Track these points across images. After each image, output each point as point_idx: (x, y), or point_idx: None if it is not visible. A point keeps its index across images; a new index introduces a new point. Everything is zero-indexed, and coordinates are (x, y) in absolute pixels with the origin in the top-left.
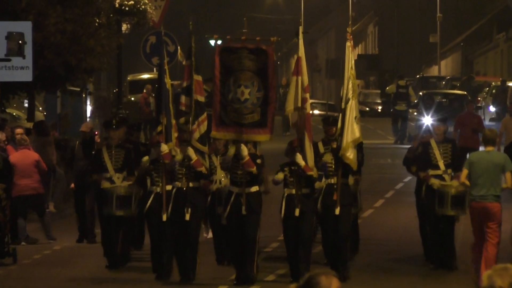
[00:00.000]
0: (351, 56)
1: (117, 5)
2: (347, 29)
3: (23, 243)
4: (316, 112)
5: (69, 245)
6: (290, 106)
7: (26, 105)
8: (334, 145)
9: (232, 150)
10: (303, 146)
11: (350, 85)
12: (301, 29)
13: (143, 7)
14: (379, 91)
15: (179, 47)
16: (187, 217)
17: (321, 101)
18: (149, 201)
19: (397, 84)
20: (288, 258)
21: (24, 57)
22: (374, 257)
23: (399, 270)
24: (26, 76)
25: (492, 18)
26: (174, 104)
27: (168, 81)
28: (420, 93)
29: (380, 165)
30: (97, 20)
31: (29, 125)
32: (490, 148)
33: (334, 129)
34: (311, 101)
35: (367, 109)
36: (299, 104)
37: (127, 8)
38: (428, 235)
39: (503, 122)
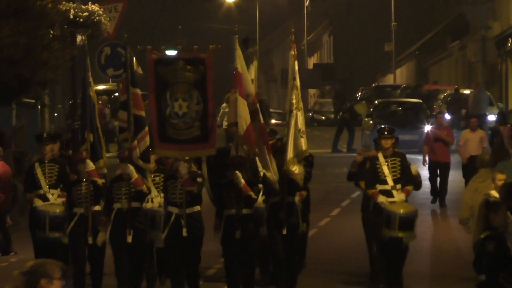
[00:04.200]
0: (294, 66)
1: (71, 17)
2: (291, 36)
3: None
4: (273, 121)
5: (25, 257)
6: (230, 120)
7: None
8: (274, 161)
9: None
10: (265, 161)
11: (293, 96)
12: (236, 38)
13: (97, 18)
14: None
15: (134, 58)
16: (129, 239)
17: (277, 110)
18: (72, 224)
19: None
20: (227, 280)
21: None
22: (322, 278)
23: None
24: None
25: (446, 26)
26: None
27: (93, 94)
28: (376, 102)
29: (336, 174)
30: (51, 32)
31: None
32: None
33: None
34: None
35: (323, 118)
36: (234, 119)
37: (81, 20)
38: (375, 254)
39: (462, 134)
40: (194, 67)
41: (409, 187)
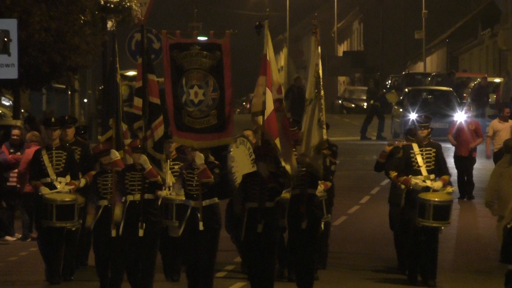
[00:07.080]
0: (317, 51)
1: (102, 3)
2: (313, 21)
3: (29, 239)
4: None
5: None
6: (256, 108)
7: (3, 102)
8: (296, 153)
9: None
10: (287, 154)
11: (315, 84)
12: (267, 23)
13: (128, 4)
14: (364, 88)
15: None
16: (141, 233)
17: None
18: (98, 216)
19: None
20: (249, 278)
21: (9, 54)
22: (346, 272)
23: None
24: (12, 73)
25: (477, 14)
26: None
27: (119, 81)
28: (406, 90)
29: (366, 162)
30: (82, 18)
31: (15, 122)
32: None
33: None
34: None
35: (353, 105)
36: (261, 108)
37: (112, 6)
38: (404, 248)
39: (491, 125)
40: (210, 53)
41: (446, 177)
